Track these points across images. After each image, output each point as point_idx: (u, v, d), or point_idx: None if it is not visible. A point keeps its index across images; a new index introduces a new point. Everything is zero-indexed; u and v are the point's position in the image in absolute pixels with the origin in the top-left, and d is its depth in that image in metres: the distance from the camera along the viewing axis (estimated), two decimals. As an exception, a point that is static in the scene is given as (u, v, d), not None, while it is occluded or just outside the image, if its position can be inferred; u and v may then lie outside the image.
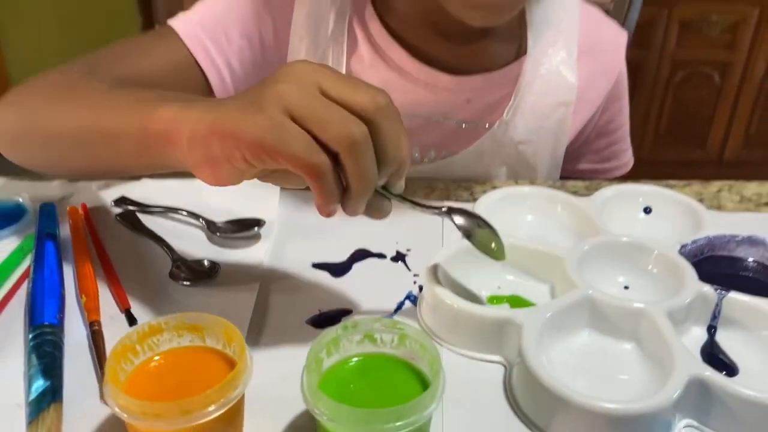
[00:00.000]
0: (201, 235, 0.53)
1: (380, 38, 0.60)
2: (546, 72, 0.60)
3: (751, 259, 0.48)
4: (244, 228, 0.52)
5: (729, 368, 0.41)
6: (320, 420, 0.32)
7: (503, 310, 0.42)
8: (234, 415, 0.34)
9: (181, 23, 0.59)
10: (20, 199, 0.56)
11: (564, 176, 0.68)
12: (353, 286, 0.48)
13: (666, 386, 0.36)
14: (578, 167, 0.71)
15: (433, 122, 0.62)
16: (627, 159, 0.73)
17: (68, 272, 0.48)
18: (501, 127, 0.61)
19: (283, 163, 0.34)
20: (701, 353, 0.42)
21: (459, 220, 0.42)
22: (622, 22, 0.92)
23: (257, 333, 0.43)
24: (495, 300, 0.46)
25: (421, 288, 0.47)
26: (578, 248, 0.46)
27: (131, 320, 0.43)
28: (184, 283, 0.47)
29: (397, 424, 0.30)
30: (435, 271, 0.44)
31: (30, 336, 0.41)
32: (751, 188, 0.62)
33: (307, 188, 0.36)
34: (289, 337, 0.43)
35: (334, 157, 0.34)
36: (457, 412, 0.37)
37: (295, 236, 0.53)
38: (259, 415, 0.36)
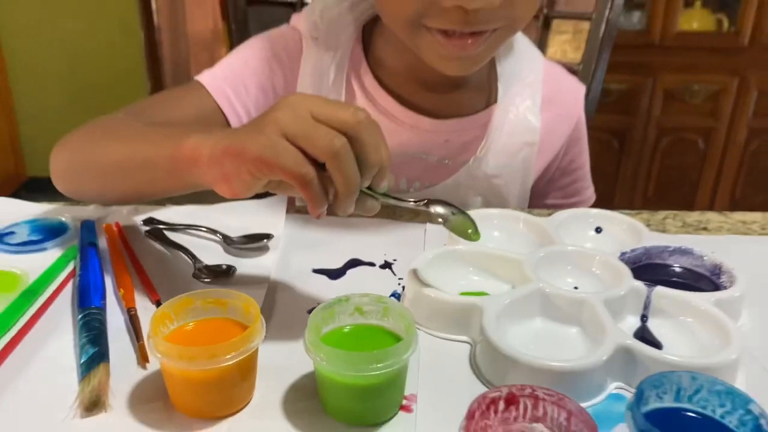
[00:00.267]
0: (218, 248, 0.62)
1: (372, 89, 0.71)
2: (514, 117, 0.71)
3: (678, 266, 0.57)
4: (255, 241, 0.61)
5: (655, 346, 0.49)
6: (320, 366, 0.40)
7: (469, 299, 0.51)
8: (248, 369, 0.43)
9: (207, 78, 0.70)
10: (63, 218, 0.65)
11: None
12: (347, 287, 0.56)
13: (598, 351, 0.44)
14: (545, 202, 0.81)
15: (417, 158, 0.72)
16: (589, 195, 0.83)
17: (107, 276, 0.57)
18: (475, 162, 0.72)
19: (279, 175, 0.43)
20: (634, 336, 0.50)
21: (437, 209, 0.50)
22: (589, 82, 1.04)
23: (266, 319, 0.51)
24: (464, 295, 0.55)
25: (404, 288, 0.56)
26: (534, 254, 0.56)
27: (161, 308, 0.52)
28: (205, 280, 0.56)
29: (378, 365, 0.39)
30: (415, 272, 0.53)
31: (79, 316, 0.49)
32: (693, 216, 0.72)
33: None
34: (293, 323, 0.51)
35: (324, 166, 0.43)
36: (431, 380, 0.45)
37: (298, 247, 0.62)
38: (269, 378, 0.45)
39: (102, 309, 0.50)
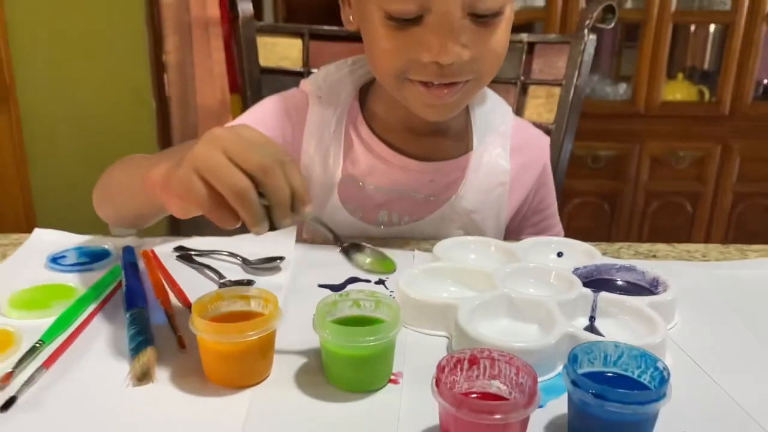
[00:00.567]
0: (238, 268, 0.73)
1: (368, 137, 0.84)
2: (488, 161, 0.84)
3: (623, 281, 0.69)
4: (270, 262, 0.73)
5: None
6: (325, 341, 0.51)
7: (447, 300, 0.62)
8: (267, 346, 0.53)
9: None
10: (106, 246, 0.77)
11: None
12: (347, 298, 0.67)
13: (548, 336, 0.55)
14: (520, 238, 0.93)
15: (407, 196, 0.85)
16: (558, 230, 0.95)
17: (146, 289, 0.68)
18: (456, 200, 0.84)
19: (193, 206, 0.51)
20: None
21: (353, 254, 0.61)
22: (562, 138, 1.17)
23: (281, 324, 0.62)
24: (444, 302, 0.66)
25: (394, 297, 0.67)
26: (502, 269, 0.67)
27: (193, 311, 0.63)
28: (229, 291, 0.67)
29: (370, 338, 0.50)
30: (404, 283, 0.65)
31: (127, 315, 0.60)
32: (645, 246, 0.84)
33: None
34: (302, 324, 0.60)
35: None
36: (415, 363, 0.56)
37: (306, 267, 0.74)
38: (283, 361, 0.55)
39: (145, 309, 0.61)
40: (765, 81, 2.53)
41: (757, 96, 2.43)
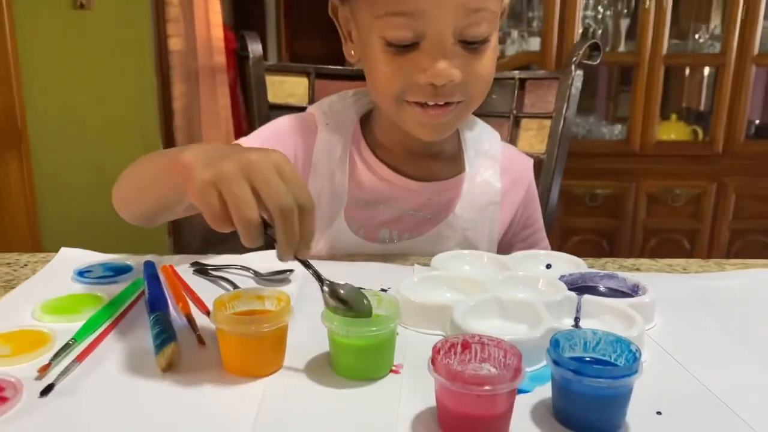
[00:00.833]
0: (251, 281, 0.79)
1: (371, 161, 0.91)
2: (479, 182, 0.92)
3: (606, 287, 0.74)
4: (280, 274, 0.79)
5: (583, 335, 0.65)
6: (332, 331, 0.57)
7: (443, 302, 0.68)
8: (280, 339, 0.59)
9: (241, 141, 0.90)
10: (128, 262, 0.83)
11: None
12: (351, 305, 0.73)
13: (534, 330, 0.61)
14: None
15: (407, 215, 0.92)
16: (545, 245, 1.02)
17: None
18: (452, 218, 0.91)
19: (201, 209, 0.54)
20: (569, 331, 0.66)
21: (331, 299, 0.59)
22: (553, 167, 1.24)
23: (290, 324, 0.68)
24: (441, 307, 0.71)
25: (395, 303, 0.72)
26: (494, 277, 0.73)
27: (210, 315, 0.69)
28: (243, 298, 0.73)
29: (373, 328, 0.56)
30: (405, 288, 0.70)
31: (150, 317, 0.66)
32: (629, 261, 0.89)
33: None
34: (311, 326, 0.66)
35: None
36: (414, 357, 0.61)
37: (313, 280, 0.79)
38: (294, 357, 0.60)
39: (167, 313, 0.67)
40: (756, 121, 2.62)
41: (749, 135, 2.51)
